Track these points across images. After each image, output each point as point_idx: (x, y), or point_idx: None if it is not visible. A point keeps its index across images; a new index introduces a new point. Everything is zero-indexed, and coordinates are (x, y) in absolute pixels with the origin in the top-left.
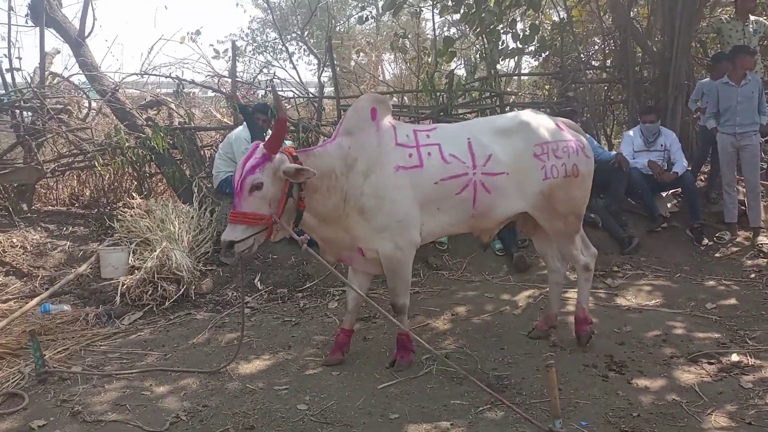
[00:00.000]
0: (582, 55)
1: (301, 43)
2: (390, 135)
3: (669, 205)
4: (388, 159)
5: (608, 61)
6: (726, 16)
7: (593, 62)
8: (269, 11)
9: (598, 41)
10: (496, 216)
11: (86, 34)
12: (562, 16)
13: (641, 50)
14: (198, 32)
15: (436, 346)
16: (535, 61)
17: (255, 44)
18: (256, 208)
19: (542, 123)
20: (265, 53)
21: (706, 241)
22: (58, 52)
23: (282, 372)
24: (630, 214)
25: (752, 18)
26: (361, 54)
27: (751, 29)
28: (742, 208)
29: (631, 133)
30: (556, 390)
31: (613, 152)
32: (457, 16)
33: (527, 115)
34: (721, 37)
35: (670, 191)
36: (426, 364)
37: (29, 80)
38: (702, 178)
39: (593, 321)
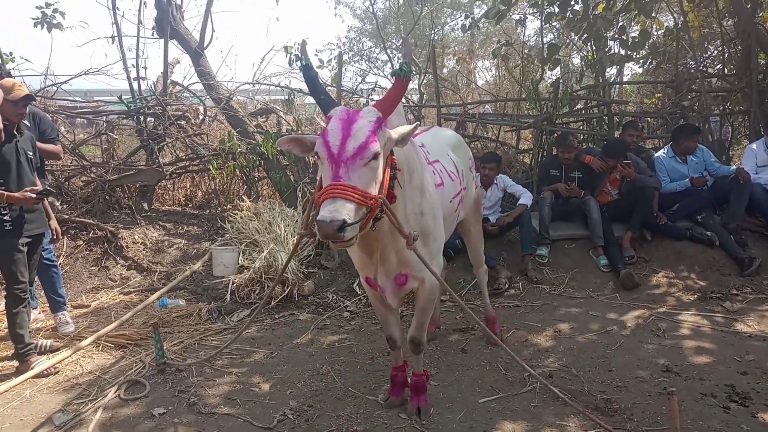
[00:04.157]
0: (697, 62)
1: (395, 51)
2: (419, 148)
3: None
4: (428, 175)
5: (727, 69)
6: None
7: (709, 70)
8: (366, 20)
9: (711, 48)
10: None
11: (205, 45)
12: (675, 21)
13: (766, 57)
14: (305, 42)
15: (538, 363)
16: (639, 68)
17: (351, 53)
18: (367, 184)
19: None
20: (361, 61)
21: None
22: (178, 62)
23: (382, 378)
24: (750, 233)
25: None
26: (454, 61)
27: None
28: None
29: (754, 146)
30: (677, 420)
31: (733, 167)
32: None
33: (451, 130)
34: None
35: None
36: (528, 382)
37: (152, 88)
38: None
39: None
